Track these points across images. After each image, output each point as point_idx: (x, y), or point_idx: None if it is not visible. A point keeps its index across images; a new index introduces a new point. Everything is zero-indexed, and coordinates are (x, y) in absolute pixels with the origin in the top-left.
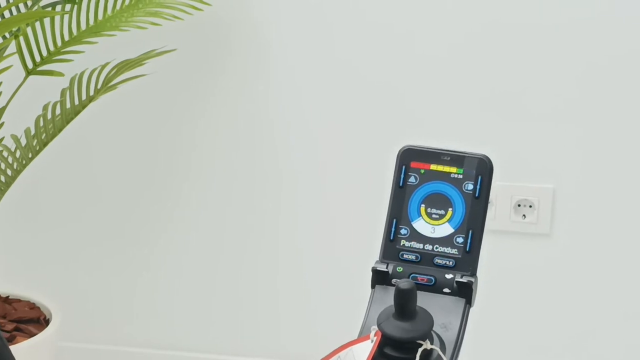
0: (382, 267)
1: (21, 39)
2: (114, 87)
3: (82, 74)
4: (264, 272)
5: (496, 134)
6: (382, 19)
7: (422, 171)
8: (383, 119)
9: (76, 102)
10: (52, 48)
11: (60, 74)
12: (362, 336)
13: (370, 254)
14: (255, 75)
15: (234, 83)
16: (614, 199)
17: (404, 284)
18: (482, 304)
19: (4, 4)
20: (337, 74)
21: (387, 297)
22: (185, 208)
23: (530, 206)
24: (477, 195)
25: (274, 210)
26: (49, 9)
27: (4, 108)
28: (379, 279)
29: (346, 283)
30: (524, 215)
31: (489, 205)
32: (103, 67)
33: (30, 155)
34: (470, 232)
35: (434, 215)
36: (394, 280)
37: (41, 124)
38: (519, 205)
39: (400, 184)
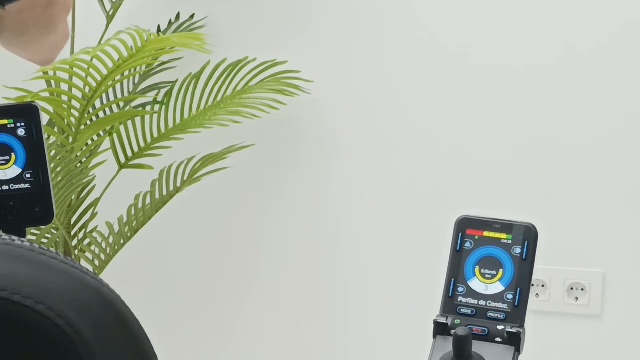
0: (442, 320)
1: (115, 136)
2: (198, 179)
3: (170, 166)
4: (334, 343)
5: (550, 223)
6: (430, 103)
7: (477, 237)
8: (443, 193)
9: (164, 192)
10: (142, 144)
11: (150, 167)
12: None
13: (432, 308)
14: (322, 170)
15: (304, 177)
16: None
17: (461, 331)
18: None
19: (99, 105)
20: (397, 169)
21: (447, 346)
22: (256, 296)
23: (582, 289)
24: (524, 257)
25: (341, 284)
26: (140, 109)
27: (99, 199)
28: (440, 330)
29: (412, 335)
30: (576, 297)
31: (544, 289)
32: (189, 160)
33: (122, 241)
34: (519, 289)
35: (487, 275)
36: (452, 331)
37: (132, 212)
38: (572, 289)
39: (458, 249)
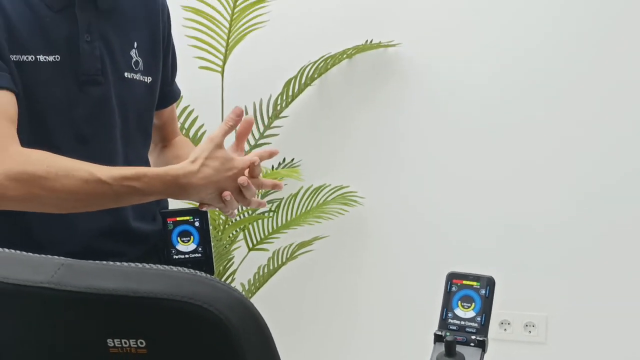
0: (439, 333)
1: (246, 231)
2: (296, 257)
3: (278, 249)
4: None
5: (513, 283)
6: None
7: (459, 284)
8: (442, 262)
9: (275, 265)
10: (262, 236)
11: (267, 250)
12: None
13: (433, 326)
14: (370, 249)
15: (364, 254)
16: (592, 321)
17: (449, 337)
18: None
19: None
20: (417, 247)
21: (441, 348)
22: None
23: (534, 325)
24: (487, 296)
25: (383, 314)
26: (261, 214)
27: (236, 270)
28: (437, 338)
29: (421, 342)
30: (530, 331)
31: (509, 325)
32: (290, 245)
33: (249, 295)
34: (484, 315)
35: (465, 306)
36: (444, 339)
37: (256, 277)
38: (527, 325)
39: (448, 290)
